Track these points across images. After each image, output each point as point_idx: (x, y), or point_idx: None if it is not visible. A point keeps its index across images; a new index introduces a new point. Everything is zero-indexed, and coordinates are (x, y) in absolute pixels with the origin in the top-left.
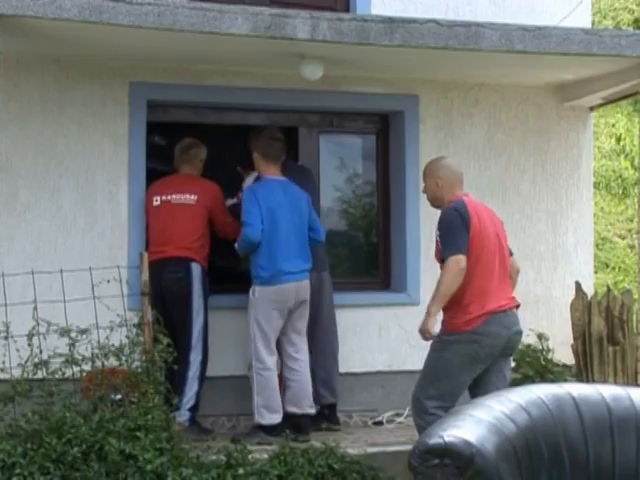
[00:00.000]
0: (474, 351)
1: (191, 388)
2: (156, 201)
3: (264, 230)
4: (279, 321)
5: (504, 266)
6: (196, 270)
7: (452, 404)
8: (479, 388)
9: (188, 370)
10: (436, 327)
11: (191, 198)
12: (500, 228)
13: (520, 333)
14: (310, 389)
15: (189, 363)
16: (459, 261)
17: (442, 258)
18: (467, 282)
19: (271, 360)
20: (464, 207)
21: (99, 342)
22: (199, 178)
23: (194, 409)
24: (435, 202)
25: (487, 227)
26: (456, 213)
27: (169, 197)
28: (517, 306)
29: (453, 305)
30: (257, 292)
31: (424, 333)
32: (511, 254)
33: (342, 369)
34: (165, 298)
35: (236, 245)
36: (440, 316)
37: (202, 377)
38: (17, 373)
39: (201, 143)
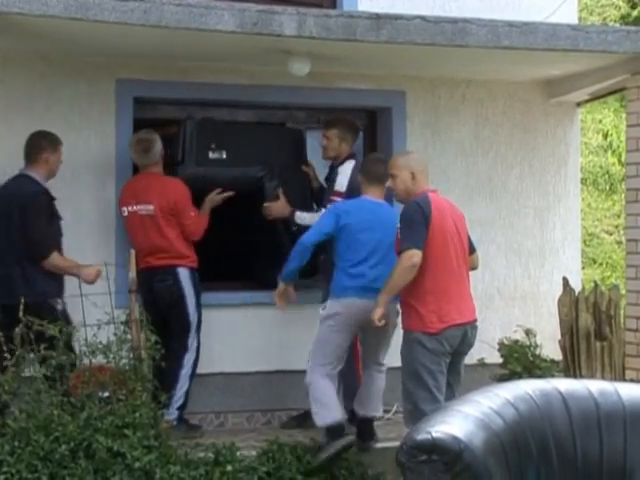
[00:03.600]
0: (440, 343)
1: (182, 387)
2: (124, 212)
3: None
4: None
5: (463, 262)
6: (184, 274)
7: (442, 396)
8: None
9: (181, 369)
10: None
11: (149, 208)
12: (461, 224)
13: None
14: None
15: (183, 363)
16: (412, 256)
17: (399, 251)
18: (423, 278)
19: None
20: (427, 202)
21: (87, 339)
22: (158, 179)
23: (182, 407)
24: (405, 196)
25: (448, 223)
26: (418, 208)
27: (134, 208)
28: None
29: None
30: None
31: (373, 323)
32: (474, 251)
33: None
34: (159, 305)
35: None
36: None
37: (192, 376)
38: None
39: (156, 133)
